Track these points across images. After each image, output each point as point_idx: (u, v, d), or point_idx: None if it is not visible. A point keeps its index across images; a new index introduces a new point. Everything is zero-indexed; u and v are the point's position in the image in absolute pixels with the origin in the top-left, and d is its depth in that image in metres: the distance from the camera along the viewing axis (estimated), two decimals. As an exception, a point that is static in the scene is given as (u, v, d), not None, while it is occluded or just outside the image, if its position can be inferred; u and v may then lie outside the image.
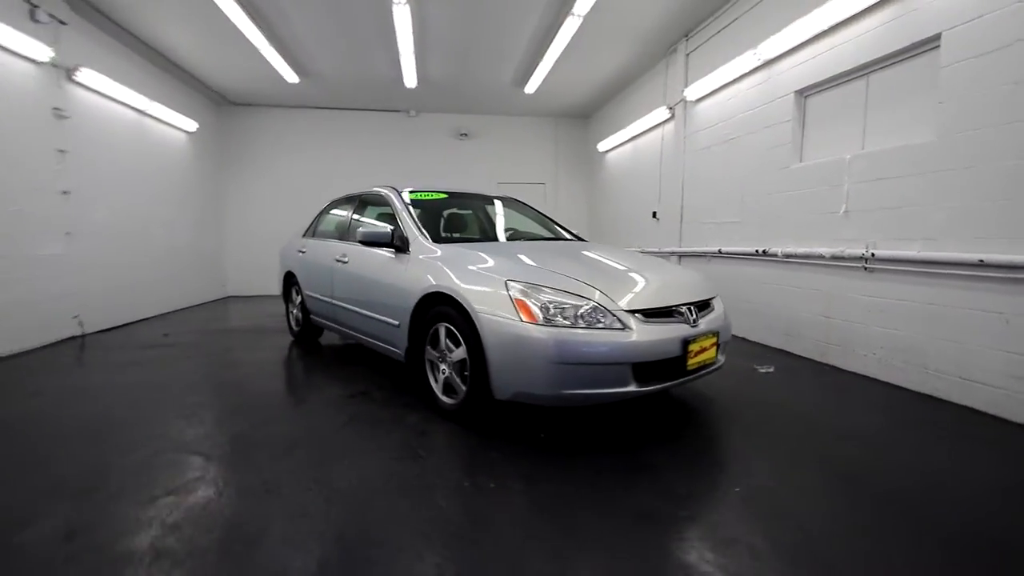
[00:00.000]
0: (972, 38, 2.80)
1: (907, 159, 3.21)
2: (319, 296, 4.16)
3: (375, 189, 3.94)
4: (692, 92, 5.59)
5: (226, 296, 8.56)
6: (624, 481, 2.06)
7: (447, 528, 1.70)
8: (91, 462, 2.19)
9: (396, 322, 3.07)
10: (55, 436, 2.51)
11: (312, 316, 4.46)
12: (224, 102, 8.25)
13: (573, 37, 5.53)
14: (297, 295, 4.73)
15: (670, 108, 6.19)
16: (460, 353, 2.56)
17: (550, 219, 4.14)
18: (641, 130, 7.07)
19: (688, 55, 5.80)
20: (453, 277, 2.64)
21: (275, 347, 4.61)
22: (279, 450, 2.32)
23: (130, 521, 1.72)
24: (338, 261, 3.82)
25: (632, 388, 2.29)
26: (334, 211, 4.58)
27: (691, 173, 5.84)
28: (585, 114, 9.30)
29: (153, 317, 6.24)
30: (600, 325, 2.26)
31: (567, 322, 2.25)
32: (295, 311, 4.84)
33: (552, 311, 2.27)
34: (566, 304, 2.29)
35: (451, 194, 3.95)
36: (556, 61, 6.24)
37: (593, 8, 4.86)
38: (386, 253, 3.27)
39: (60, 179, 4.73)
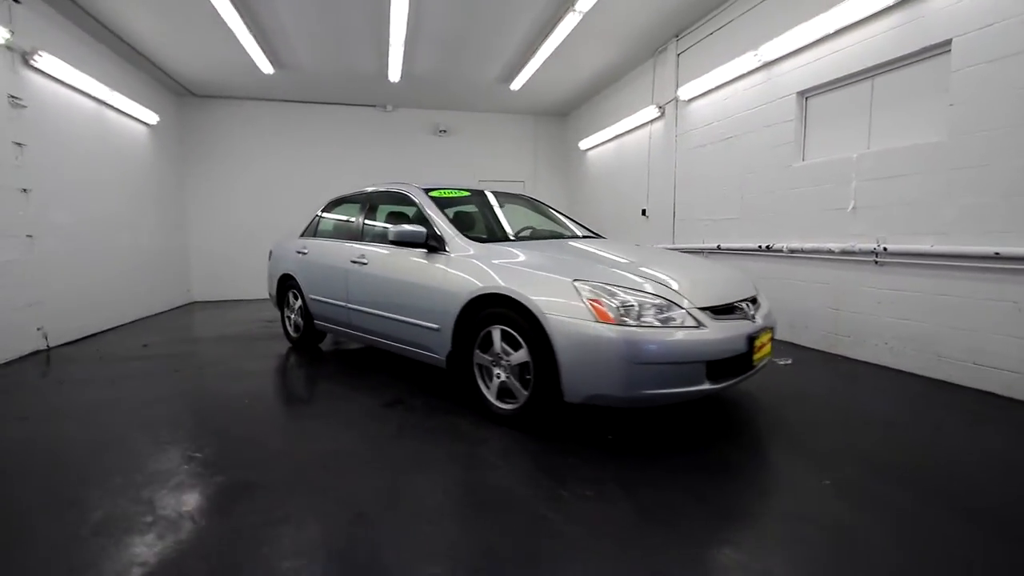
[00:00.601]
0: (983, 45, 3.00)
1: (918, 158, 3.40)
2: (328, 300, 3.94)
3: (393, 187, 3.77)
4: (685, 92, 5.71)
5: (191, 302, 7.98)
6: (712, 481, 2.05)
7: (581, 542, 1.61)
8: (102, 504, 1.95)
9: (436, 326, 2.93)
10: (42, 476, 2.23)
11: (316, 321, 4.22)
12: (186, 93, 7.67)
13: (568, 34, 5.51)
14: (296, 299, 4.46)
15: (660, 107, 6.30)
16: (521, 356, 2.48)
17: (569, 217, 4.10)
18: (627, 128, 7.16)
19: (679, 55, 5.91)
20: (510, 279, 2.55)
21: (273, 355, 4.33)
22: (342, 470, 2.16)
23: None
24: (354, 263, 3.63)
25: (706, 386, 2.28)
26: (339, 210, 4.36)
27: (684, 171, 5.97)
28: (563, 112, 9.33)
29: (121, 326, 5.72)
30: (675, 324, 2.24)
31: (642, 322, 2.22)
32: (293, 316, 4.56)
33: (626, 311, 2.23)
34: (640, 303, 2.25)
35: (473, 192, 3.83)
36: (547, 58, 6.20)
37: (594, 6, 4.87)
38: (417, 254, 3.13)
39: (19, 175, 4.23)
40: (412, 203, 3.52)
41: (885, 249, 3.58)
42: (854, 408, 2.93)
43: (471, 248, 2.93)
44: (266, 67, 6.33)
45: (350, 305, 3.70)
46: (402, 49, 5.86)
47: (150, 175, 6.75)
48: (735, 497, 1.92)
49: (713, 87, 5.32)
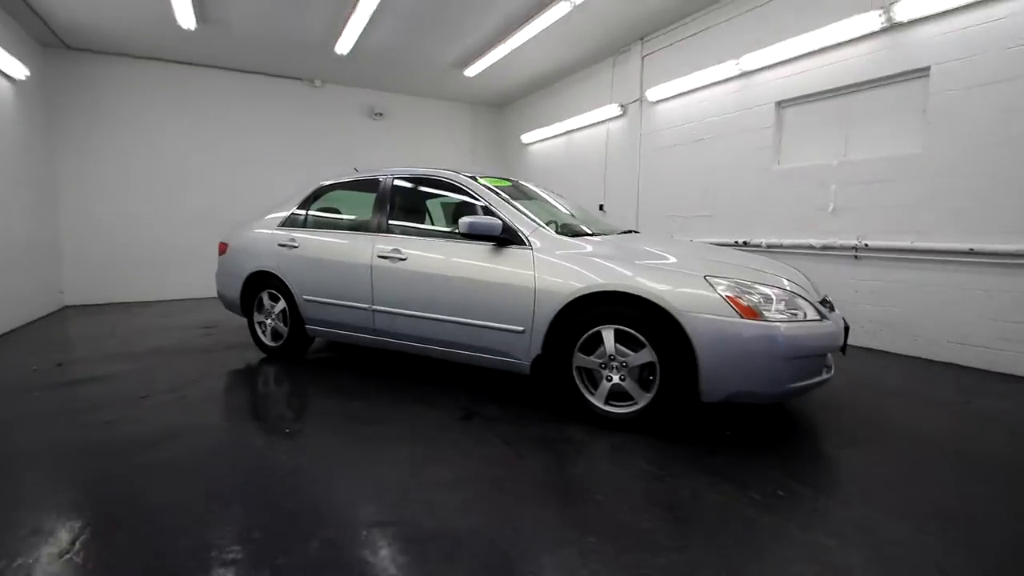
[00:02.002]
0: (960, 74, 3.55)
1: (896, 167, 3.93)
2: (336, 301, 3.39)
3: (431, 173, 3.35)
4: (654, 93, 5.94)
5: (63, 307, 6.34)
6: (854, 472, 2.15)
7: (837, 552, 1.57)
8: None
9: (519, 328, 2.67)
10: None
11: (310, 326, 3.61)
12: (57, 44, 6.01)
13: (549, 25, 5.40)
14: (275, 301, 3.77)
15: (622, 106, 6.49)
16: (643, 356, 2.35)
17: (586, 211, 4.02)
18: (581, 125, 7.27)
19: (644, 57, 6.13)
20: (632, 274, 2.40)
21: (250, 369, 3.61)
22: (482, 495, 1.86)
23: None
24: (383, 259, 3.16)
25: (823, 376, 2.39)
26: (343, 198, 3.77)
27: (649, 169, 6.23)
28: (499, 103, 9.18)
29: (-11, 343, 4.33)
30: (808, 317, 2.30)
31: (783, 316, 2.24)
32: (270, 321, 3.84)
33: (768, 306, 2.24)
34: (776, 297, 2.28)
35: (514, 183, 3.56)
36: (516, 47, 6.02)
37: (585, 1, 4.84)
38: (484, 248, 2.82)
39: None
40: (460, 191, 3.16)
41: (866, 245, 4.09)
42: (868, 383, 3.31)
43: (563, 242, 2.72)
44: (188, 20, 5.22)
45: (376, 307, 3.21)
46: (367, 18, 5.24)
47: (15, 145, 5.18)
48: (895, 492, 2.03)
49: (686, 91, 5.60)
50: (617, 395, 2.47)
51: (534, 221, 2.84)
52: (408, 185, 3.46)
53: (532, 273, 2.64)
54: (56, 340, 4.65)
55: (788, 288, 2.36)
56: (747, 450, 2.28)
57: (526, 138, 8.49)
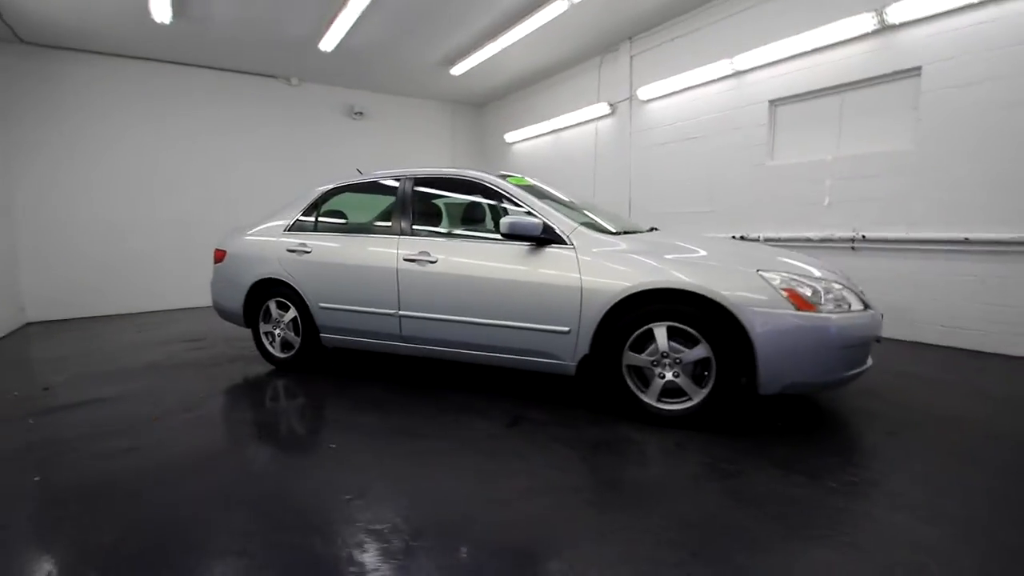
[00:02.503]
0: (950, 73, 3.75)
1: (889, 162, 4.12)
2: (357, 308, 3.26)
3: (460, 174, 3.28)
4: (645, 92, 6.02)
5: (26, 323, 5.84)
6: (907, 455, 2.23)
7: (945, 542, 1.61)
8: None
9: (565, 328, 2.63)
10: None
11: (326, 335, 3.46)
12: (11, 38, 5.51)
13: (546, 23, 5.38)
14: (283, 310, 3.60)
15: (611, 104, 6.55)
16: (698, 352, 2.36)
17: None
18: (569, 124, 7.29)
19: (633, 56, 6.21)
20: (685, 271, 2.40)
21: (260, 383, 3.42)
22: (565, 503, 1.82)
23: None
24: (410, 261, 3.05)
25: (868, 364, 2.47)
26: (356, 201, 3.64)
27: (640, 167, 6.31)
28: (479, 103, 9.10)
29: (-46, 367, 3.92)
30: (854, 307, 2.37)
31: (835, 307, 2.30)
32: (279, 331, 3.66)
33: (822, 298, 2.29)
34: (827, 290, 2.33)
35: (531, 184, 3.50)
36: (507, 46, 5.97)
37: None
38: (522, 249, 2.77)
39: None
40: (490, 193, 3.11)
41: (863, 237, 4.28)
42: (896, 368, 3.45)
43: (601, 240, 2.70)
44: (163, 14, 4.89)
45: (403, 312, 3.10)
46: (358, 14, 5.07)
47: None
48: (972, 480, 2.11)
49: (678, 89, 5.70)
50: (670, 392, 2.48)
51: (572, 220, 2.81)
52: (431, 186, 3.36)
53: (577, 273, 2.61)
54: (30, 361, 4.28)
55: (834, 280, 2.43)
56: (801, 440, 2.32)
57: (510, 137, 8.45)
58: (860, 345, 2.33)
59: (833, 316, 2.24)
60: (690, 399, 2.43)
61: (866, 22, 4.06)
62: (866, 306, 2.43)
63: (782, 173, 4.86)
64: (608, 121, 6.70)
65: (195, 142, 6.80)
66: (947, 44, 3.76)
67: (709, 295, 2.32)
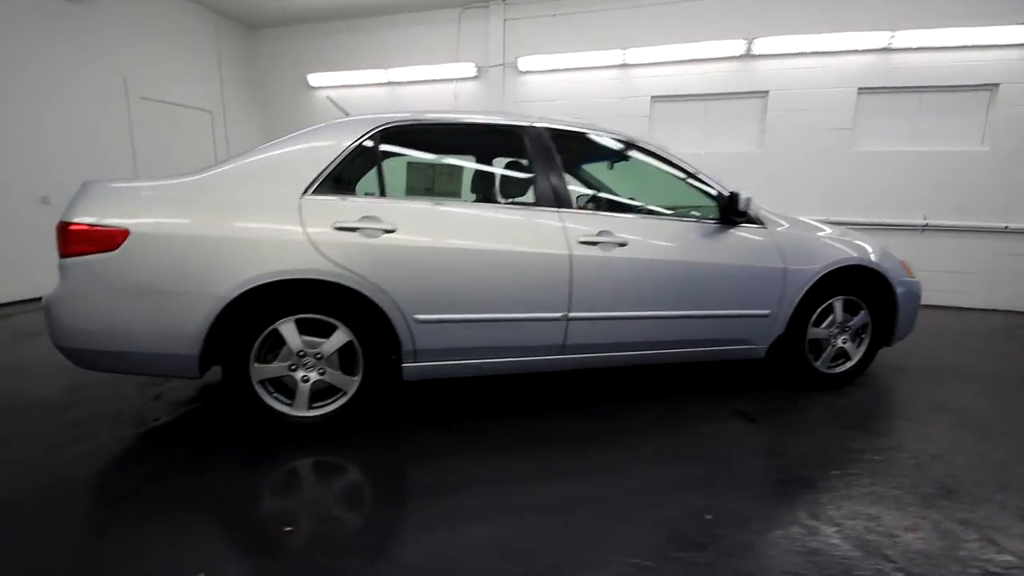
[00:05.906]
0: (786, 99, 5.24)
1: (743, 160, 5.46)
2: (500, 316, 2.22)
3: (606, 130, 2.58)
4: (526, 63, 5.85)
5: None
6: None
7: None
8: None
9: (766, 311, 2.58)
10: None
11: (425, 363, 2.22)
12: None
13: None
14: (315, 334, 2.07)
15: (479, 67, 6.07)
16: (862, 319, 2.77)
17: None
18: (416, 78, 6.34)
19: (507, 21, 5.90)
20: (855, 249, 2.71)
21: (337, 471, 1.95)
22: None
23: None
24: (587, 244, 2.29)
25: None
26: (450, 152, 2.44)
27: (515, 140, 6.14)
28: (252, 23, 6.77)
29: None
30: (913, 274, 3.22)
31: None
32: (312, 373, 2.08)
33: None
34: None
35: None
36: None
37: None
38: (703, 227, 2.56)
39: None
40: (654, 156, 2.63)
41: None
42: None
43: (772, 219, 2.72)
44: None
45: (574, 314, 2.31)
46: None
47: None
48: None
49: (564, 68, 5.79)
50: (836, 357, 2.80)
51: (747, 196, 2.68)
52: (576, 146, 2.52)
53: (779, 254, 2.57)
54: None
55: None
56: (879, 395, 3.02)
57: (316, 79, 6.66)
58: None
59: (919, 280, 3.01)
60: (851, 360, 2.82)
61: (739, 46, 5.18)
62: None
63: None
64: (472, 84, 6.19)
65: None
66: (786, 78, 5.24)
67: (878, 269, 2.72)
